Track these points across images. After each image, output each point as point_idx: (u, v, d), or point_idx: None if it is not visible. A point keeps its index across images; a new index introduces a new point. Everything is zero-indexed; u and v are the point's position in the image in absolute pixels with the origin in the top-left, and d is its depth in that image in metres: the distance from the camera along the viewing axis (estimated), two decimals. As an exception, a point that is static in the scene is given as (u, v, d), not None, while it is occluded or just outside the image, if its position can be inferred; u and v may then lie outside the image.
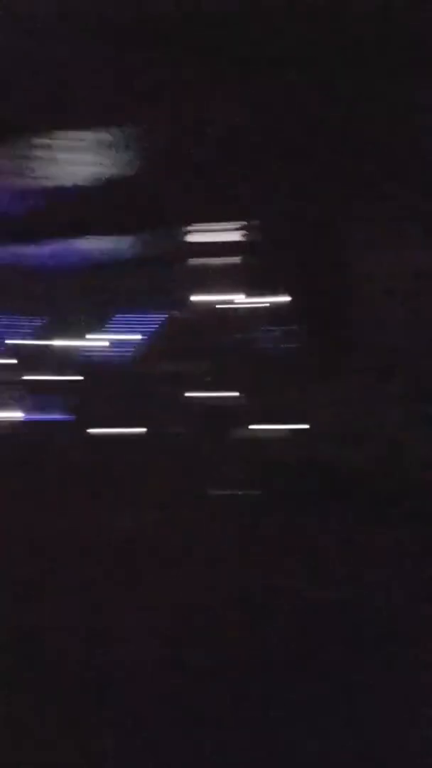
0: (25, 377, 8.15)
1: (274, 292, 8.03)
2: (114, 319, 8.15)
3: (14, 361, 8.11)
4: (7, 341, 8.06)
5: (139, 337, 8.12)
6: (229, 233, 8.02)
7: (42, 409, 8.12)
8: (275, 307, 8.00)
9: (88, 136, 7.47)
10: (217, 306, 7.99)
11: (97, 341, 8.10)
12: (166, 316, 8.10)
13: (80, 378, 8.08)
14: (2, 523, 7.35)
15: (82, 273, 7.98)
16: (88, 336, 8.09)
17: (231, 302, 8.07)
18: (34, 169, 7.65)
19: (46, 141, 7.53)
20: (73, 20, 6.87)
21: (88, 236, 7.83)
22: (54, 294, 8.05)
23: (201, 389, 7.91)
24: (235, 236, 8.03)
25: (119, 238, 7.90)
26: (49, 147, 7.53)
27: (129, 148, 7.56)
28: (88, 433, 8.00)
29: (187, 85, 7.15)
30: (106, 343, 8.10)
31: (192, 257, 7.97)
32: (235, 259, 8.01)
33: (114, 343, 8.12)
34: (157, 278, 8.05)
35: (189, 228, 7.90)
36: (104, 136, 7.50)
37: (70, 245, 7.87)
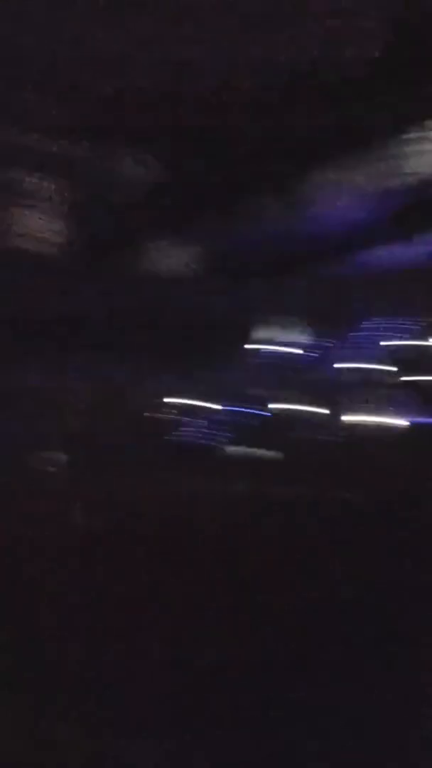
0: (409, 380, 7.95)
1: None
2: None
3: (397, 364, 7.94)
4: (389, 343, 7.90)
5: None
6: None
7: (427, 412, 7.90)
8: None
9: None
10: None
11: None
12: None
13: None
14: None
15: None
16: None
17: None
18: (401, 166, 7.46)
19: (411, 135, 7.36)
20: None
21: None
22: None
23: None
24: None
25: None
26: (416, 140, 7.35)
27: None
28: None
29: None
30: None
31: None
32: None
33: None
34: None
35: None
36: None
37: None
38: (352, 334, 7.93)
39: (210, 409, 8.03)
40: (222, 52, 6.98)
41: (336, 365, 7.95)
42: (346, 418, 7.90)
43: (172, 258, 8.24)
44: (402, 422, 7.83)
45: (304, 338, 8.03)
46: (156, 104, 7.20)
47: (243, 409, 7.98)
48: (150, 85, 7.13)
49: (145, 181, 7.66)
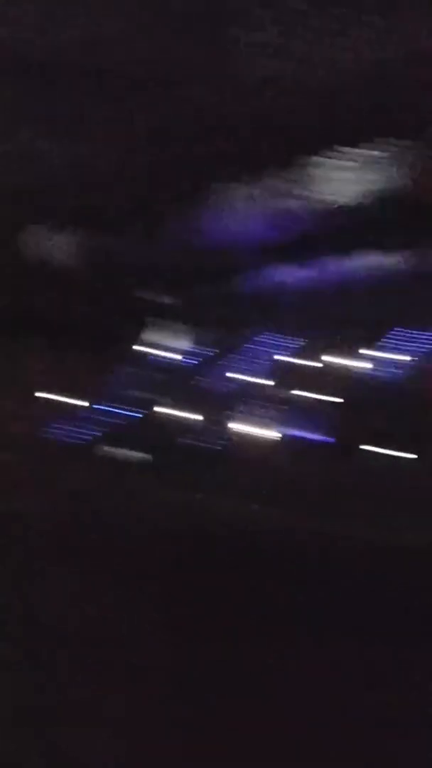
0: (290, 396, 8.13)
1: None
2: (390, 336, 7.98)
3: (279, 379, 8.12)
4: (274, 359, 8.11)
5: (414, 356, 7.90)
6: None
7: (303, 428, 8.08)
8: None
9: (362, 152, 7.41)
10: None
11: (370, 360, 7.94)
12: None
13: (348, 398, 7.98)
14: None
15: (357, 290, 7.90)
16: (360, 354, 7.96)
17: None
18: (310, 188, 7.65)
19: (321, 159, 7.51)
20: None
21: (364, 252, 7.73)
22: (329, 311, 8.01)
23: None
24: None
25: (398, 253, 7.75)
26: (324, 165, 7.51)
27: (403, 162, 7.44)
28: (350, 454, 7.90)
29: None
30: (380, 362, 7.93)
31: None
32: None
33: (387, 363, 7.94)
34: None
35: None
36: (377, 152, 7.41)
37: (347, 262, 7.80)
38: (245, 346, 8.10)
39: (89, 408, 8.06)
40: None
41: (224, 375, 8.13)
42: (224, 426, 8.07)
43: (67, 257, 8.21)
44: (277, 434, 8.04)
45: (196, 347, 8.16)
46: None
47: (122, 411, 8.06)
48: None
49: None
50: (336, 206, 7.77)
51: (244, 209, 7.80)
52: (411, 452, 7.90)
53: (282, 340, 8.41)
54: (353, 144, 7.37)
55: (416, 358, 8.27)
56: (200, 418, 8.12)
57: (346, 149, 7.39)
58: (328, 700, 5.64)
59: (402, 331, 8.36)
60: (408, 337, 8.34)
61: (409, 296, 8.23)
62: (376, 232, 7.91)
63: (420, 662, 6.35)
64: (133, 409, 8.12)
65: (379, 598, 7.08)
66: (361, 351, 8.35)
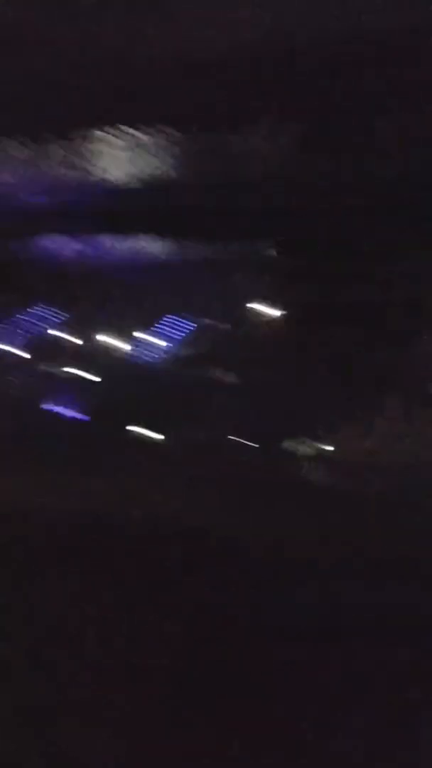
0: (45, 371, 8.13)
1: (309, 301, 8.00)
2: (155, 320, 8.16)
3: (37, 353, 8.09)
4: (34, 333, 8.02)
5: (170, 341, 8.09)
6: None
7: (56, 404, 8.12)
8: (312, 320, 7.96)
9: (149, 133, 7.39)
10: (256, 316, 7.90)
11: (132, 341, 8.06)
12: (200, 322, 8.05)
13: (103, 377, 8.07)
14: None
15: (125, 272, 7.97)
16: (123, 335, 8.07)
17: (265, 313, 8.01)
18: (91, 165, 7.55)
19: (106, 136, 7.43)
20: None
21: (134, 235, 7.78)
22: (94, 291, 8.07)
23: (229, 400, 7.85)
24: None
25: (169, 240, 7.86)
26: (109, 143, 7.45)
27: (186, 150, 7.50)
28: (102, 433, 8.01)
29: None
30: (143, 344, 8.10)
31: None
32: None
33: (144, 345, 8.11)
34: (203, 284, 8.02)
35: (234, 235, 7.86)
36: (164, 135, 7.42)
37: (116, 243, 7.83)
38: (5, 314, 7.89)
39: None
40: None
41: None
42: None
43: None
44: (31, 408, 7.91)
45: None
46: None
47: None
48: None
49: None
50: (113, 184, 7.76)
51: (15, 172, 7.58)
52: (161, 432, 8.07)
53: (45, 311, 8.34)
54: (136, 124, 7.37)
55: (176, 343, 8.49)
56: None
57: (129, 128, 7.36)
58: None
59: (165, 316, 8.56)
60: (171, 322, 8.54)
61: (178, 283, 8.41)
62: (151, 216, 8.01)
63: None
64: None
65: (125, 576, 7.09)
66: (124, 331, 8.48)
